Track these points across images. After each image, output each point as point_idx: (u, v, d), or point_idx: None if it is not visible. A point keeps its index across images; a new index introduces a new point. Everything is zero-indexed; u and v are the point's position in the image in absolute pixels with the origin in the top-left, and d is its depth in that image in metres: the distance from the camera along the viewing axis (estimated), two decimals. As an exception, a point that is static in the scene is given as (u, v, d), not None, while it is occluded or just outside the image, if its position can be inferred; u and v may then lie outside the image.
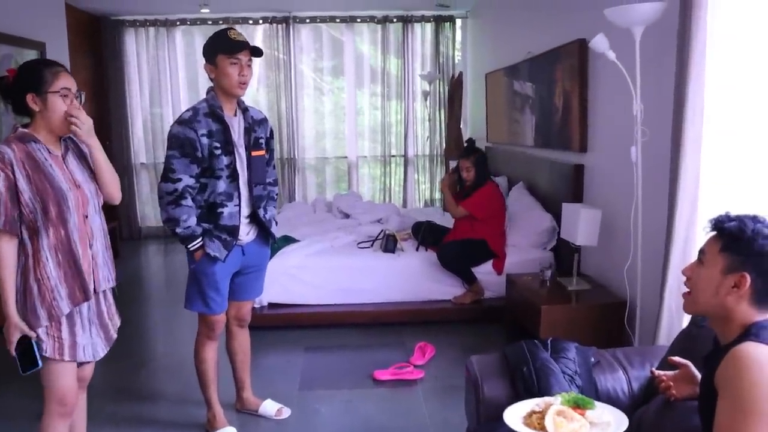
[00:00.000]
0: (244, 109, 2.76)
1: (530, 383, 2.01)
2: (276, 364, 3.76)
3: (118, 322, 2.34)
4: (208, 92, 2.70)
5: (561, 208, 3.77)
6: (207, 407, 2.95)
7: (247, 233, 2.79)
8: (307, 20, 7.42)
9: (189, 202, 2.61)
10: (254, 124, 2.76)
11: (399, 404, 3.24)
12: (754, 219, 1.45)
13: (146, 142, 7.56)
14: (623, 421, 1.66)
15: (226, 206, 2.66)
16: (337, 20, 7.43)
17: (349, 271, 4.35)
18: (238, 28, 3.03)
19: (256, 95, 7.43)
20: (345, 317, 4.30)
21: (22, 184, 1.99)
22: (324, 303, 4.34)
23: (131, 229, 7.61)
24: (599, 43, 2.95)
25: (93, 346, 2.19)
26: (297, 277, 4.29)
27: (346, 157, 7.79)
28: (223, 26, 4.08)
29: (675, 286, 2.67)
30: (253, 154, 2.73)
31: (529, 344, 2.18)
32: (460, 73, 7.36)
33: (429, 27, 7.55)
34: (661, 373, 1.78)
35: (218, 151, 2.61)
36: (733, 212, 1.50)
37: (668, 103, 2.70)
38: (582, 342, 2.26)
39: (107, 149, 2.24)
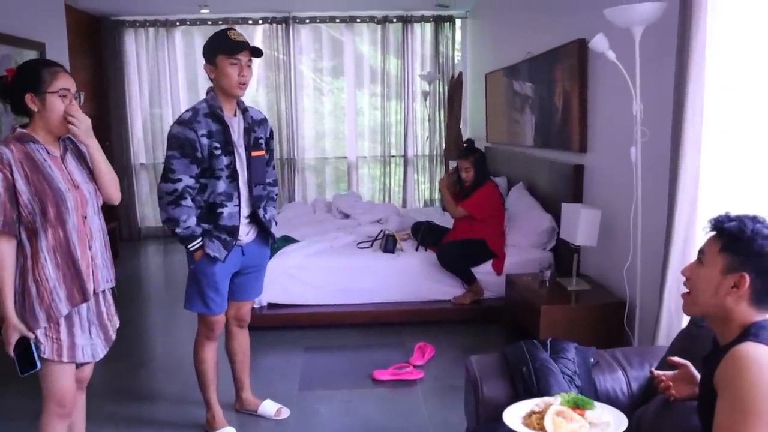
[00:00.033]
0: (244, 110, 2.76)
1: (530, 383, 2.01)
2: (275, 365, 3.76)
3: (117, 323, 2.33)
4: (207, 92, 2.70)
5: (560, 208, 3.77)
6: (206, 407, 2.95)
7: (246, 233, 2.79)
8: (307, 20, 7.42)
9: (189, 202, 2.61)
10: (254, 125, 2.76)
11: (398, 404, 3.24)
12: (754, 219, 1.45)
13: (146, 143, 7.56)
14: (623, 421, 1.66)
15: (226, 206, 2.66)
16: (337, 20, 7.43)
17: (349, 272, 4.35)
18: (238, 28, 3.03)
19: (255, 95, 7.43)
20: (344, 317, 4.30)
21: (21, 185, 1.99)
22: (323, 303, 4.34)
23: (131, 229, 7.61)
24: (599, 43, 2.95)
25: (93, 347, 2.18)
26: (296, 278, 4.29)
27: (345, 158, 7.79)
28: (223, 27, 4.08)
29: (674, 286, 2.67)
30: (253, 154, 2.73)
31: (529, 344, 2.18)
32: (460, 74, 7.36)
33: (429, 27, 7.55)
34: (661, 373, 1.78)
35: (218, 152, 2.61)
36: (733, 212, 1.50)
37: (668, 103, 2.70)
38: (581, 342, 2.26)
39: (107, 150, 2.23)
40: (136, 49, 7.38)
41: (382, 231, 4.69)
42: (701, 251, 1.52)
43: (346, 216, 5.70)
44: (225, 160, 2.63)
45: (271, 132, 2.92)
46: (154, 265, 6.88)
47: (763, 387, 1.31)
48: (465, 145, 4.84)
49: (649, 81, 2.99)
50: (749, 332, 1.42)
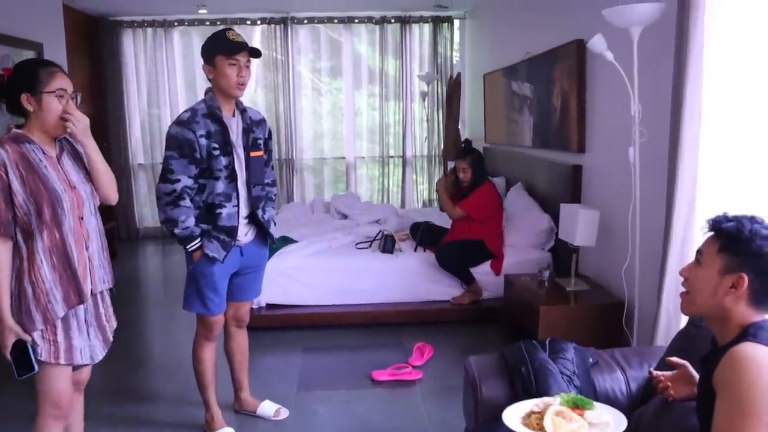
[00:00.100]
0: (243, 110, 2.76)
1: (528, 384, 2.01)
2: (274, 365, 3.76)
3: (114, 325, 2.32)
4: (206, 93, 2.70)
5: (559, 208, 3.78)
6: (205, 408, 2.95)
7: (245, 234, 2.79)
8: (305, 21, 7.41)
9: (187, 202, 2.60)
10: (252, 125, 2.76)
11: (397, 405, 3.24)
12: (752, 219, 1.46)
13: (144, 143, 7.55)
14: (622, 421, 1.66)
15: (225, 207, 2.66)
16: (335, 21, 7.43)
17: (348, 272, 4.35)
18: (236, 28, 3.03)
19: (254, 96, 7.43)
20: (343, 318, 4.30)
21: (16, 185, 1.97)
22: (322, 304, 4.33)
23: (129, 229, 7.60)
24: (597, 43, 2.95)
25: (91, 348, 2.17)
26: (295, 278, 4.29)
27: (344, 158, 7.79)
28: (221, 27, 4.08)
29: (673, 286, 2.67)
30: (252, 154, 2.72)
31: (528, 345, 2.19)
32: (458, 74, 7.37)
33: (427, 28, 7.56)
34: (659, 373, 1.79)
35: (217, 152, 2.61)
36: (731, 212, 1.50)
37: (666, 103, 2.70)
38: (580, 342, 2.26)
39: (104, 150, 2.23)
40: (134, 49, 7.37)
41: (380, 231, 4.69)
42: (699, 252, 1.52)
43: (345, 216, 5.70)
44: (224, 161, 2.63)
45: (270, 132, 2.92)
46: (153, 266, 6.87)
47: (762, 387, 1.31)
48: (463, 145, 4.84)
49: (648, 81, 2.99)
50: (748, 332, 1.42)
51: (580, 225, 3.48)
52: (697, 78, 2.51)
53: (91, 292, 2.13)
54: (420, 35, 7.58)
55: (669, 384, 1.73)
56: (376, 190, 7.84)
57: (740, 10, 2.52)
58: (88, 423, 2.48)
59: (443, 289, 4.38)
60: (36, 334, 2.03)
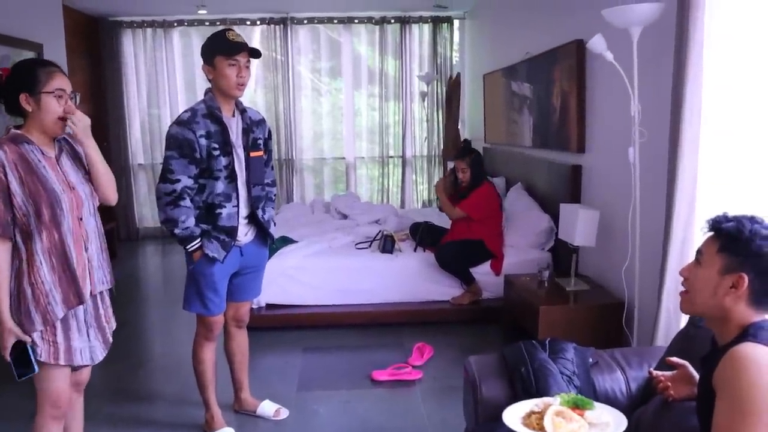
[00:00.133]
0: (242, 110, 2.76)
1: (528, 384, 2.01)
2: (274, 365, 3.76)
3: (114, 326, 2.31)
4: (206, 93, 2.70)
5: (559, 208, 3.78)
6: (205, 408, 2.95)
7: (245, 234, 2.79)
8: (305, 21, 7.42)
9: (187, 202, 2.60)
10: (252, 125, 2.76)
11: (397, 405, 3.24)
12: (752, 219, 1.46)
13: (144, 143, 7.56)
14: (622, 421, 1.66)
15: (225, 207, 2.66)
16: (335, 21, 7.43)
17: (347, 272, 4.35)
18: (236, 29, 3.03)
19: (253, 96, 7.43)
20: (343, 318, 4.30)
21: (15, 186, 1.96)
22: (322, 304, 4.33)
23: (129, 230, 7.60)
24: (597, 43, 2.95)
25: (91, 349, 2.16)
26: (295, 278, 4.29)
27: (344, 158, 7.80)
28: (221, 27, 4.08)
29: (673, 286, 2.67)
30: (252, 154, 2.72)
31: (528, 345, 2.18)
32: (458, 74, 7.37)
33: (427, 28, 7.56)
34: (659, 373, 1.79)
35: (217, 152, 2.61)
36: (731, 213, 1.50)
37: (666, 103, 2.70)
38: (580, 342, 2.26)
39: (104, 150, 2.22)
40: (133, 49, 7.37)
41: (380, 231, 4.69)
42: (699, 252, 1.52)
43: (345, 216, 5.70)
44: (223, 161, 2.63)
45: (270, 132, 2.92)
46: (153, 266, 6.87)
47: (762, 387, 1.31)
48: (462, 145, 4.84)
49: (647, 81, 2.99)
50: (748, 332, 1.42)
51: (579, 225, 3.48)
52: (697, 78, 2.51)
53: (91, 293, 2.13)
54: (420, 35, 7.59)
55: (669, 384, 1.73)
56: (376, 190, 7.84)
57: (740, 10, 2.52)
58: (88, 423, 2.49)
59: (443, 289, 4.38)
60: (36, 335, 2.02)
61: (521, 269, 4.20)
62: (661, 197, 2.76)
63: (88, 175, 2.17)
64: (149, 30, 7.33)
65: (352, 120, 7.71)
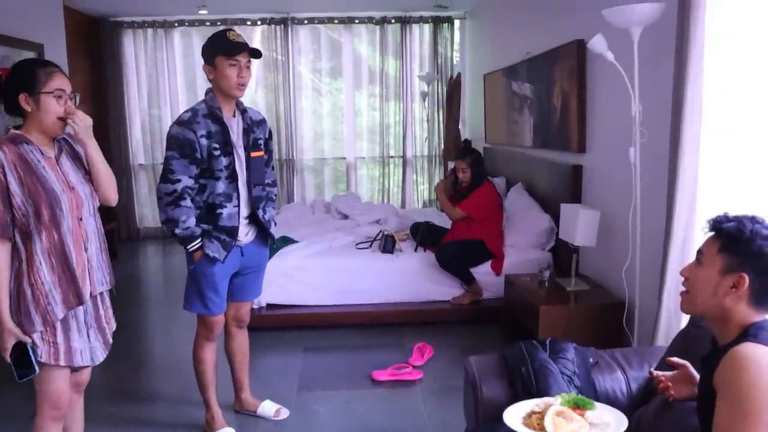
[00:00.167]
0: (243, 110, 2.76)
1: (529, 384, 2.01)
2: (274, 365, 3.76)
3: (114, 326, 2.30)
4: (206, 93, 2.70)
5: (559, 208, 3.77)
6: (205, 408, 2.95)
7: (246, 234, 2.79)
8: (306, 21, 7.42)
9: (188, 203, 2.60)
10: (253, 125, 2.76)
11: (398, 405, 3.24)
12: (753, 219, 1.46)
13: (144, 144, 7.56)
14: (623, 421, 1.66)
15: (225, 207, 2.66)
16: (336, 21, 7.43)
17: (348, 272, 4.35)
18: (237, 29, 3.03)
19: (254, 96, 7.43)
20: (343, 318, 4.30)
21: (14, 186, 1.95)
22: (322, 304, 4.33)
23: (130, 230, 7.61)
24: (597, 43, 2.95)
25: (92, 350, 2.16)
26: (295, 278, 4.29)
27: (344, 158, 7.80)
28: (222, 27, 4.07)
29: (673, 286, 2.67)
30: (252, 155, 2.73)
31: (528, 345, 2.18)
32: (459, 74, 7.37)
33: (427, 28, 7.56)
34: (660, 373, 1.78)
35: (217, 152, 2.61)
36: (732, 213, 1.50)
37: (667, 103, 2.70)
38: (580, 342, 2.26)
39: (105, 151, 2.22)
40: (134, 50, 7.38)
41: (381, 231, 4.69)
42: (700, 251, 1.52)
43: (345, 217, 5.70)
44: (224, 161, 2.63)
45: (270, 133, 2.92)
46: (153, 266, 6.88)
47: (763, 387, 1.31)
48: (462, 145, 4.84)
49: (648, 81, 2.99)
50: (748, 333, 1.42)
51: (580, 225, 3.47)
52: (698, 78, 2.51)
53: (90, 293, 2.12)
54: (420, 35, 7.58)
55: (669, 384, 1.73)
56: (377, 190, 7.84)
57: (741, 10, 2.51)
58: (88, 423, 2.49)
59: (443, 289, 4.38)
60: (36, 336, 2.01)
61: (522, 269, 4.20)
62: (661, 197, 2.76)
63: (88, 175, 2.17)
64: (150, 30, 7.33)
65: (352, 120, 7.71)
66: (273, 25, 7.36)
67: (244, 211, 2.75)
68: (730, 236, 1.45)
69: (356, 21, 7.44)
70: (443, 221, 4.85)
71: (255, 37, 7.40)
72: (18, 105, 2.01)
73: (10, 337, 1.98)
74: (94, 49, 7.15)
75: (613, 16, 2.79)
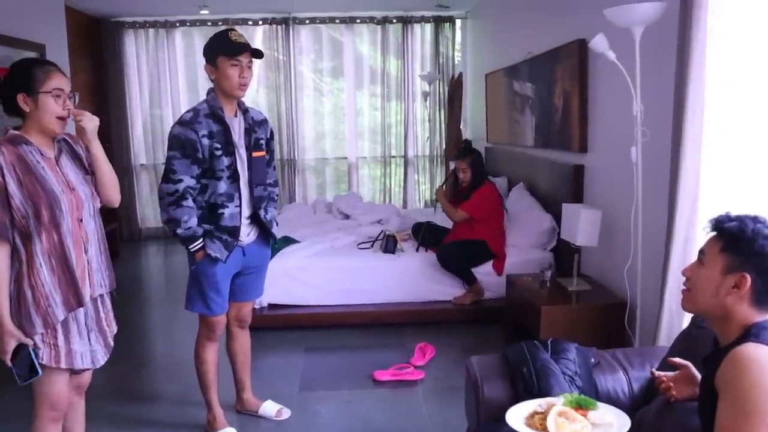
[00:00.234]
0: (245, 110, 2.76)
1: (530, 384, 2.01)
2: (276, 365, 3.76)
3: (114, 329, 2.29)
4: (208, 93, 2.70)
5: (561, 208, 3.77)
6: (207, 408, 2.95)
7: (247, 234, 2.79)
8: (307, 21, 7.42)
9: (190, 203, 2.60)
10: (254, 125, 2.76)
11: (399, 405, 3.24)
12: (755, 219, 1.45)
13: (146, 144, 7.57)
14: (625, 422, 1.66)
15: (227, 207, 2.66)
16: (337, 21, 7.43)
17: (349, 272, 4.35)
18: (238, 29, 3.03)
19: (255, 96, 7.44)
20: (345, 318, 4.30)
21: (13, 188, 1.93)
22: (324, 304, 4.33)
23: (131, 230, 7.61)
24: (599, 43, 2.95)
25: (93, 353, 2.15)
26: (297, 278, 4.29)
27: (346, 158, 7.80)
28: (223, 27, 4.07)
29: (675, 286, 2.67)
30: (254, 155, 2.73)
31: (529, 345, 2.18)
32: (460, 74, 7.36)
33: (429, 27, 7.55)
34: (661, 373, 1.78)
35: (219, 152, 2.61)
36: (734, 212, 1.50)
37: (668, 103, 2.70)
38: (582, 342, 2.25)
39: (107, 151, 2.21)
40: (136, 50, 7.39)
41: (382, 231, 4.69)
42: (702, 251, 1.52)
43: (347, 217, 5.70)
44: (226, 161, 2.63)
45: (272, 133, 2.92)
46: (155, 266, 6.88)
47: (765, 387, 1.31)
48: (462, 146, 4.84)
49: (650, 81, 2.99)
50: (750, 333, 1.41)
51: (582, 225, 3.47)
52: (700, 77, 2.51)
53: (90, 295, 2.11)
54: (422, 35, 7.58)
55: (671, 384, 1.73)
56: (378, 190, 7.84)
57: (743, 9, 2.51)
58: (89, 423, 2.49)
59: (445, 289, 4.38)
60: (37, 338, 2.00)
61: (523, 269, 4.20)
62: (663, 197, 2.76)
63: (89, 176, 2.16)
64: (151, 30, 7.33)
65: (354, 120, 7.71)
66: (274, 25, 7.36)
67: (246, 211, 2.75)
68: (732, 236, 1.45)
69: (358, 21, 7.44)
70: (445, 221, 4.84)
71: (256, 37, 7.40)
72: (16, 105, 1.99)
73: (11, 340, 1.96)
74: (96, 50, 7.16)
75: (615, 15, 2.78)
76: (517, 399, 1.94)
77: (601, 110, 3.83)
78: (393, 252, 4.48)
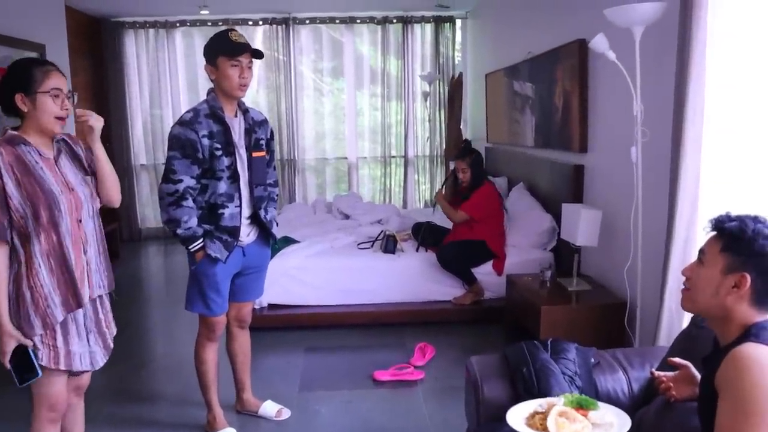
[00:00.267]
0: (245, 111, 2.76)
1: (530, 384, 2.01)
2: (276, 365, 3.76)
3: (114, 331, 2.28)
4: (208, 93, 2.70)
5: (561, 208, 3.77)
6: (207, 408, 2.95)
7: (247, 234, 2.79)
8: (307, 21, 7.42)
9: (190, 203, 2.60)
10: (255, 125, 2.76)
11: (399, 405, 3.24)
12: (755, 219, 1.45)
13: (146, 144, 7.57)
14: (626, 422, 1.66)
15: (227, 207, 2.66)
16: (337, 21, 7.43)
17: (349, 272, 4.35)
18: (238, 29, 3.03)
19: (256, 96, 7.44)
20: (345, 318, 4.30)
21: (11, 188, 1.93)
22: (324, 304, 4.33)
23: (131, 230, 7.61)
24: (599, 43, 2.95)
25: (92, 354, 2.14)
26: (297, 278, 4.29)
27: (346, 158, 7.80)
28: (223, 27, 4.07)
29: (675, 286, 2.66)
30: (254, 155, 2.73)
31: (529, 345, 2.18)
32: (460, 74, 7.36)
33: (429, 27, 7.55)
34: (661, 374, 1.78)
35: (219, 152, 2.61)
36: (734, 212, 1.50)
37: (668, 103, 2.70)
38: (582, 343, 2.25)
39: (107, 151, 2.22)
40: (136, 50, 7.38)
41: (382, 231, 4.69)
42: (702, 251, 1.52)
43: (347, 217, 5.70)
44: (226, 161, 2.63)
45: (272, 133, 2.92)
46: (155, 266, 6.88)
47: (765, 387, 1.31)
48: (462, 146, 4.84)
49: (650, 81, 2.99)
50: (750, 333, 1.41)
51: (582, 225, 3.47)
52: (700, 77, 2.51)
53: (89, 296, 2.10)
54: (422, 35, 7.58)
55: (671, 384, 1.73)
56: (378, 190, 7.84)
57: (743, 9, 2.51)
58: (89, 424, 2.49)
59: (445, 289, 4.38)
60: (36, 339, 2.00)
61: (523, 269, 4.20)
62: (663, 197, 2.76)
63: (88, 176, 2.16)
64: (151, 30, 7.33)
65: (354, 120, 7.71)
66: (274, 25, 7.36)
67: (246, 212, 2.75)
68: (732, 236, 1.44)
69: (358, 21, 7.44)
70: (444, 221, 4.84)
71: (256, 37, 7.40)
72: (15, 105, 1.98)
73: (10, 341, 1.96)
74: (96, 50, 7.15)
75: (615, 15, 2.78)
76: (517, 399, 1.94)
77: (601, 110, 3.83)
78: (393, 252, 4.48)
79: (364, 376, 3.52)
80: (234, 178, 2.66)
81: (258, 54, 2.65)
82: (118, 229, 7.06)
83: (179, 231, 2.60)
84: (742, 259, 1.42)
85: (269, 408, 3.11)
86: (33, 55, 4.98)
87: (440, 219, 5.03)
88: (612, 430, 1.62)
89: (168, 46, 7.35)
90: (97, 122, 2.09)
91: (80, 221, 2.07)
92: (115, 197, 2.23)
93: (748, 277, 1.41)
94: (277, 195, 2.95)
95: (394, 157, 7.73)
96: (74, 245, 2.04)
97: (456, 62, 7.72)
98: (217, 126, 2.62)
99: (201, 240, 2.64)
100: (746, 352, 1.36)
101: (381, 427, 3.03)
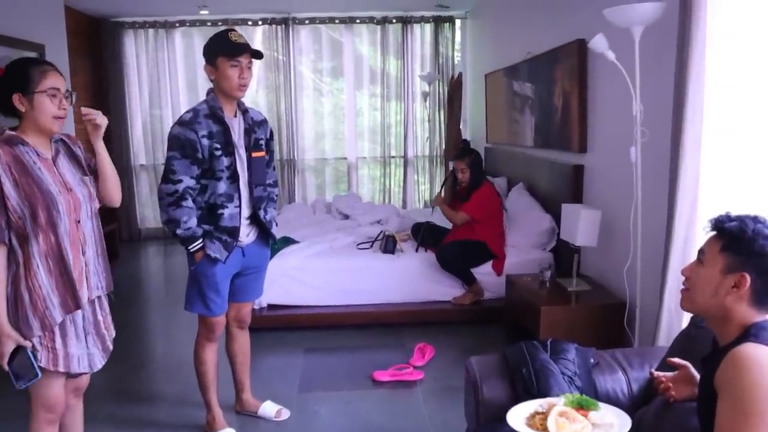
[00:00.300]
0: (244, 111, 2.76)
1: (530, 384, 2.01)
2: (275, 366, 3.76)
3: (113, 333, 2.27)
4: (208, 93, 2.70)
5: (561, 208, 3.77)
6: (206, 409, 2.95)
7: (247, 234, 2.79)
8: (307, 21, 7.42)
9: (189, 203, 2.60)
10: (254, 126, 2.76)
11: (398, 405, 3.24)
12: (755, 219, 1.45)
13: (146, 144, 7.57)
14: (626, 422, 1.66)
15: (227, 207, 2.66)
16: (337, 21, 7.43)
17: (349, 272, 4.35)
18: (238, 29, 3.03)
19: (255, 96, 7.44)
20: (344, 318, 4.30)
21: (9, 188, 1.92)
22: (323, 304, 4.33)
23: (131, 230, 7.61)
24: (599, 43, 2.95)
25: (90, 356, 2.13)
26: (296, 279, 4.29)
27: (345, 158, 7.79)
28: (223, 28, 4.06)
29: (675, 286, 2.66)
30: (254, 155, 2.73)
31: (529, 345, 2.18)
32: (460, 74, 7.35)
33: (428, 28, 7.55)
34: (661, 374, 1.78)
35: (218, 153, 2.61)
36: (733, 212, 1.50)
37: (668, 103, 2.70)
38: (581, 343, 2.25)
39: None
40: (135, 50, 7.38)
41: (382, 232, 4.69)
42: (701, 251, 1.52)
43: (346, 217, 5.70)
44: (225, 161, 2.63)
45: (271, 133, 2.92)
46: (154, 267, 6.88)
47: (764, 387, 1.31)
48: (461, 146, 4.84)
49: (649, 81, 2.99)
50: (749, 333, 1.41)
51: (581, 225, 3.47)
52: (700, 77, 2.51)
53: (87, 298, 2.10)
54: (421, 35, 7.58)
55: (670, 385, 1.73)
56: (378, 190, 7.84)
57: (742, 9, 2.51)
58: (89, 424, 2.48)
59: (444, 289, 4.38)
60: (35, 341, 1.99)
61: (523, 269, 4.20)
62: (663, 197, 2.76)
63: (87, 176, 2.15)
64: (151, 30, 7.33)
65: (353, 120, 7.71)
66: (274, 25, 7.36)
67: (246, 212, 2.75)
68: (732, 236, 1.44)
69: (357, 21, 7.44)
70: (444, 222, 4.84)
71: (256, 38, 7.40)
72: (12, 105, 1.97)
73: (8, 342, 1.95)
74: (95, 50, 7.15)
75: (614, 15, 2.78)
76: (516, 399, 1.94)
77: (600, 110, 3.83)
78: (392, 252, 4.48)
79: (364, 377, 3.52)
80: (233, 178, 2.66)
81: (257, 54, 2.65)
82: (118, 229, 7.06)
83: (179, 231, 2.60)
84: (742, 259, 1.42)
85: (268, 408, 3.10)
86: (32, 55, 4.98)
87: (440, 219, 5.03)
88: (612, 430, 1.62)
89: (167, 47, 7.35)
90: (102, 120, 2.10)
91: (78, 222, 2.06)
92: (116, 197, 2.23)
93: (748, 277, 1.41)
94: (276, 195, 2.95)
95: (393, 157, 7.73)
96: (73, 246, 2.03)
97: (455, 62, 7.72)
98: (217, 126, 2.62)
99: (200, 240, 2.64)
100: (745, 352, 1.36)
101: (380, 427, 3.03)
